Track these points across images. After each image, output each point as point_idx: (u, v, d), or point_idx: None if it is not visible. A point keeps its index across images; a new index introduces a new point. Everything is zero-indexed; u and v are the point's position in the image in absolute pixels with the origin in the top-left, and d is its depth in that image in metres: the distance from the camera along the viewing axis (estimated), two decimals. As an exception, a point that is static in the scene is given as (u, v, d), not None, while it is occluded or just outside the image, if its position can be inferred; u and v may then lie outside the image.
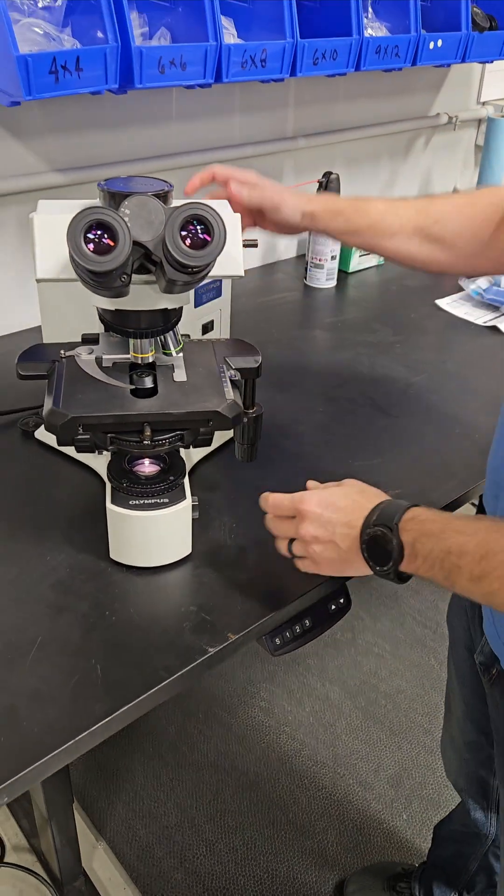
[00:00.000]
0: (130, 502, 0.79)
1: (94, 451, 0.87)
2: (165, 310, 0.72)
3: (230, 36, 1.09)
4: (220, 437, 1.00)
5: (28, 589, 0.80)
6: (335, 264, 1.54)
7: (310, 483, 0.81)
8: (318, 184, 1.47)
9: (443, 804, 1.59)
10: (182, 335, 0.84)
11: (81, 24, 0.96)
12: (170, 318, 0.74)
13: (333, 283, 1.56)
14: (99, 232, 0.59)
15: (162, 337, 0.78)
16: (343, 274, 1.60)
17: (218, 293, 0.96)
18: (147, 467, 0.83)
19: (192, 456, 0.99)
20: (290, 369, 1.25)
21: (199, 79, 1.03)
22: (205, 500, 0.93)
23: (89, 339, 0.83)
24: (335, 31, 1.20)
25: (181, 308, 0.75)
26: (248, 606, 0.79)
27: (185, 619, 0.77)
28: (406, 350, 1.31)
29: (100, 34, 0.94)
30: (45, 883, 1.43)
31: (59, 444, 0.85)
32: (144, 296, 0.69)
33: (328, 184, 1.46)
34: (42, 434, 1.02)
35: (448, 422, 1.12)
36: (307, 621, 0.83)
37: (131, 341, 0.76)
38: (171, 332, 0.78)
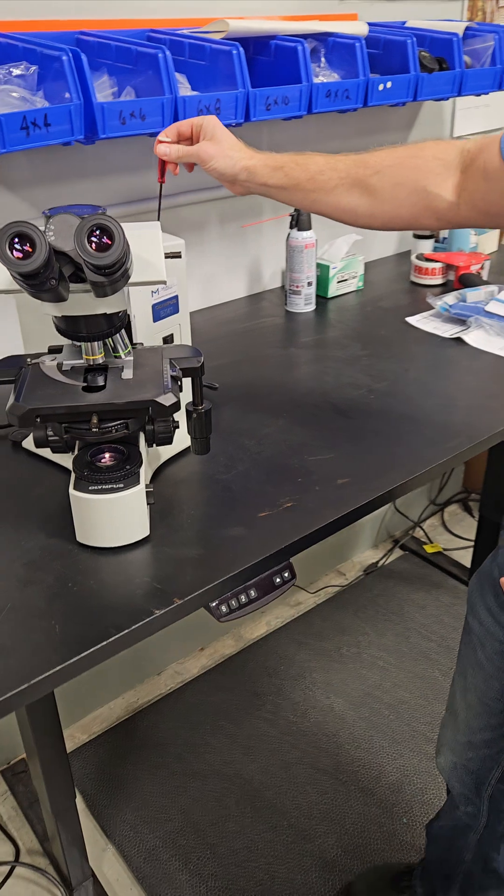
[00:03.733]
0: (90, 488, 0.90)
1: (67, 452, 0.99)
2: (106, 314, 0.84)
3: (185, 89, 1.24)
4: (185, 439, 1.11)
5: (2, 567, 0.91)
6: (312, 290, 1.66)
7: None
8: (290, 217, 1.61)
9: (442, 807, 1.61)
10: (136, 343, 0.96)
11: (52, 88, 1.11)
12: (113, 323, 0.86)
13: (312, 307, 1.68)
14: (18, 240, 0.72)
15: (111, 342, 0.90)
16: (322, 299, 1.72)
17: (175, 309, 1.07)
18: (107, 459, 0.94)
19: (161, 455, 1.10)
20: (261, 382, 1.36)
21: (158, 128, 1.17)
22: (169, 493, 1.04)
23: (55, 349, 0.95)
24: (289, 80, 1.35)
25: (124, 314, 0.87)
26: (198, 577, 0.88)
27: (139, 588, 0.87)
28: (372, 362, 1.41)
29: (67, 95, 1.09)
30: (55, 883, 1.50)
31: (36, 447, 0.97)
32: (85, 302, 0.82)
33: (299, 216, 1.59)
34: (28, 443, 1.14)
35: (401, 421, 1.21)
36: (253, 591, 0.91)
37: (83, 345, 0.88)
38: (119, 337, 0.90)
